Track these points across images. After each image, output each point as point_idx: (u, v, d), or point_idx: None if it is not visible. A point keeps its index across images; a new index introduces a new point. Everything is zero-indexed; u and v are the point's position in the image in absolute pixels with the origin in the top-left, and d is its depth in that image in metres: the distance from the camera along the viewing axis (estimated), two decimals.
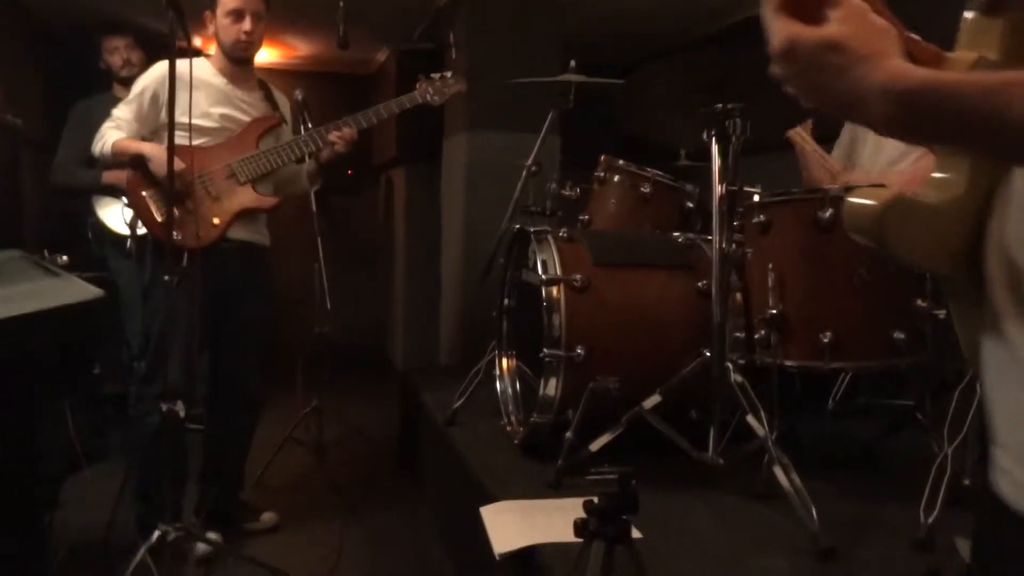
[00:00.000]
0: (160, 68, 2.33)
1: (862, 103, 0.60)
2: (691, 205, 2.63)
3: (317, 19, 4.44)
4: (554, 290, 2.08)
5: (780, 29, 0.62)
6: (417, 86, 2.66)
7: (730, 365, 1.93)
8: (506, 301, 2.60)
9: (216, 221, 2.37)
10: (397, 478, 3.36)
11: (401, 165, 5.10)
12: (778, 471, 1.72)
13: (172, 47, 1.99)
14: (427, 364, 4.14)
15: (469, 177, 3.68)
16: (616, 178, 2.72)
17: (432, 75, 2.67)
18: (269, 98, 2.59)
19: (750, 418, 1.84)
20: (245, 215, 2.43)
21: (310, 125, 2.85)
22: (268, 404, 2.77)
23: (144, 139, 2.36)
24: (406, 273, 5.03)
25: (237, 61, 2.46)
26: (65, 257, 1.82)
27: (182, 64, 2.07)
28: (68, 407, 2.40)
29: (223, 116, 2.43)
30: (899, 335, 1.89)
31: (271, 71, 5.09)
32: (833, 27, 0.62)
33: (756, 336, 2.01)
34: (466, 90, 2.74)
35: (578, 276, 2.08)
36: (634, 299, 2.16)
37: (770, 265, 1.98)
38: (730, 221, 1.96)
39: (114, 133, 2.33)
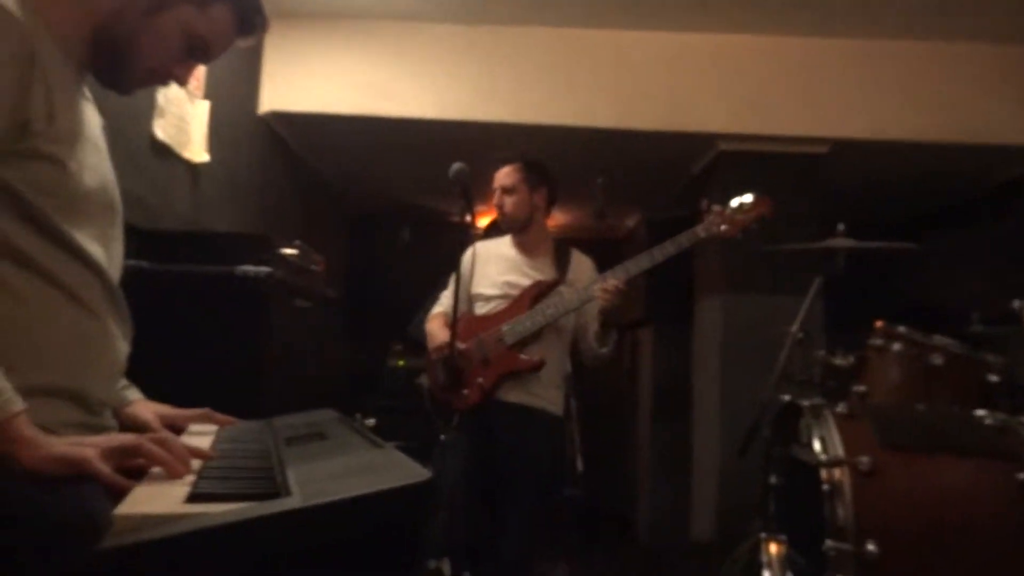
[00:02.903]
0: (470, 250, 2.63)
1: None
2: (996, 379, 2.28)
3: (573, 191, 4.80)
4: (836, 472, 1.87)
5: None
6: (702, 218, 2.45)
7: None
8: (772, 478, 2.39)
9: (481, 382, 2.44)
10: None
11: (648, 325, 5.11)
12: None
13: (467, 232, 2.21)
14: (676, 537, 3.89)
15: (725, 342, 3.57)
16: (897, 347, 2.45)
17: (715, 206, 2.43)
18: (561, 260, 2.60)
19: None
20: (512, 377, 2.44)
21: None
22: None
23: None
24: (651, 437, 4.89)
25: (510, 231, 2.61)
26: (373, 420, 2.04)
27: (492, 243, 2.50)
28: None
29: (506, 283, 2.53)
30: None
31: None
32: None
33: None
34: (771, 210, 2.42)
35: (864, 459, 1.85)
36: (935, 491, 1.86)
37: None
38: None
39: (434, 310, 2.66)
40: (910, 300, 3.42)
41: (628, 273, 2.36)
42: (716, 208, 2.39)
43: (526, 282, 2.52)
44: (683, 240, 2.36)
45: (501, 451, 2.42)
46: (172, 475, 0.89)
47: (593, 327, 2.50)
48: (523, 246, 2.59)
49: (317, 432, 1.25)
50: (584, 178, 3.81)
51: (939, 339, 2.41)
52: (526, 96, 3.49)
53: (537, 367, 2.45)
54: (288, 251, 2.14)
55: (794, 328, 2.61)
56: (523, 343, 2.44)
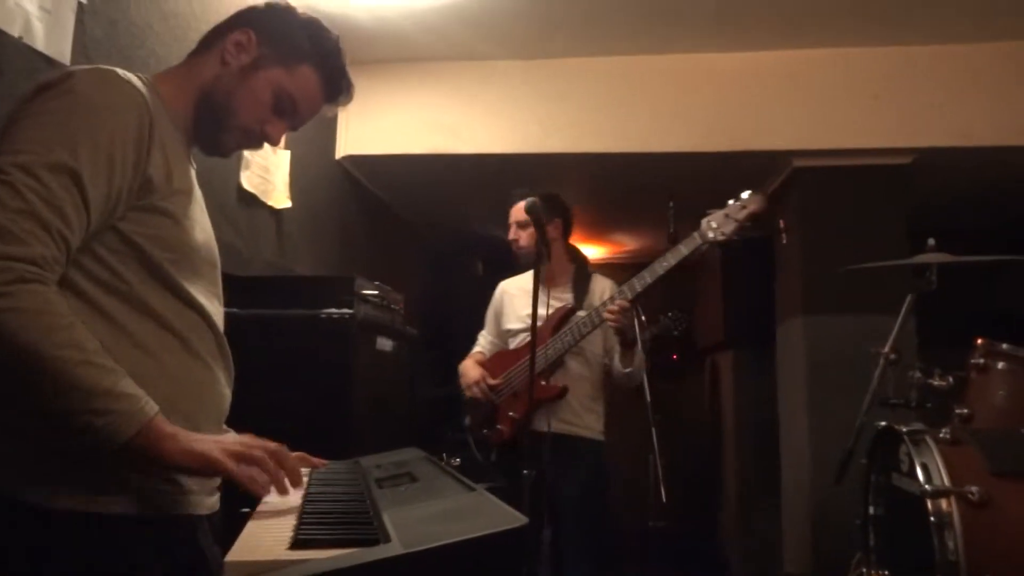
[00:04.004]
0: (498, 288, 2.80)
1: None
2: None
3: (645, 218, 4.77)
4: (943, 503, 1.77)
5: None
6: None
7: None
8: (871, 509, 2.28)
9: (512, 414, 2.50)
10: None
11: (728, 349, 5.00)
12: None
13: (541, 260, 2.21)
14: (769, 571, 3.74)
15: (810, 365, 3.44)
16: (1001, 365, 2.33)
17: (710, 210, 2.36)
18: (580, 286, 2.64)
19: None
20: (542, 406, 2.44)
21: (643, 317, 2.95)
22: None
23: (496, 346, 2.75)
24: (738, 467, 4.75)
25: (527, 264, 2.63)
26: (458, 460, 2.08)
27: (517, 279, 2.65)
28: None
29: (529, 316, 2.59)
30: None
31: (599, 265, 5.49)
32: None
33: None
34: (765, 207, 2.33)
35: (974, 489, 1.75)
36: None
37: None
38: None
39: (473, 349, 2.78)
40: (1010, 314, 3.23)
41: (633, 291, 2.36)
42: (711, 212, 2.32)
43: (549, 312, 2.56)
44: (683, 249, 2.30)
45: (544, 483, 2.39)
46: (280, 491, 0.99)
47: (617, 348, 2.53)
48: (546, 278, 2.61)
49: (406, 472, 1.28)
50: (656, 203, 3.78)
51: None
52: (590, 126, 3.49)
53: (560, 395, 2.48)
54: (369, 292, 2.20)
55: (886, 349, 2.50)
56: (548, 372, 2.48)
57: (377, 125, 3.56)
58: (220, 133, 1.19)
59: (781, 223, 3.81)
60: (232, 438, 1.07)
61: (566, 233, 2.74)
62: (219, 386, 1.14)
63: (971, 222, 4.41)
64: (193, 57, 1.22)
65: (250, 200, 2.69)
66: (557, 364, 2.50)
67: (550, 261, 2.62)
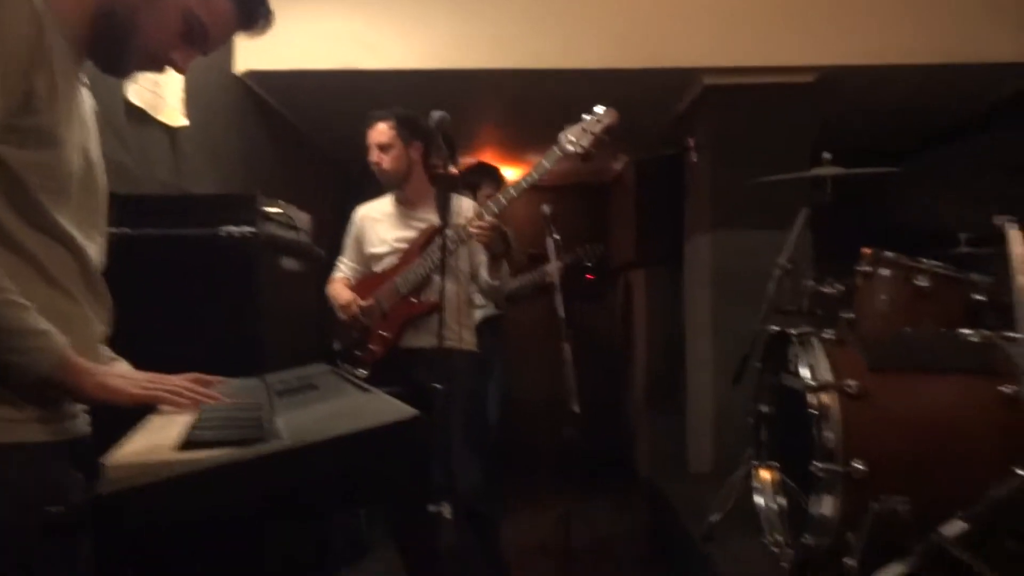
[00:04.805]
0: (355, 214, 2.80)
1: None
2: (981, 298, 2.31)
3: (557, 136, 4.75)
4: (824, 397, 1.91)
5: None
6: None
7: None
8: (763, 408, 2.44)
9: (384, 334, 2.59)
10: None
11: (640, 267, 5.13)
12: None
13: (452, 181, 2.21)
14: (675, 470, 3.98)
15: (716, 278, 3.59)
16: (884, 271, 2.48)
17: (568, 125, 2.37)
18: (443, 206, 2.53)
19: None
20: (412, 324, 2.56)
21: (557, 236, 2.99)
22: (514, 510, 2.77)
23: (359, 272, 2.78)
24: (648, 376, 4.96)
25: (389, 186, 2.69)
26: (363, 371, 2.09)
27: (375, 204, 2.68)
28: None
29: (397, 239, 2.66)
30: None
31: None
32: None
33: None
34: (618, 120, 2.34)
35: (852, 382, 1.89)
36: (922, 409, 1.91)
37: None
38: None
39: (335, 275, 2.79)
40: (899, 225, 3.42)
41: (500, 205, 2.41)
42: (568, 126, 2.37)
43: (413, 234, 2.64)
44: (544, 163, 2.36)
45: (422, 396, 2.45)
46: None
47: (484, 261, 2.60)
48: (405, 200, 2.70)
49: (308, 384, 1.28)
50: (568, 121, 3.77)
51: (926, 262, 2.43)
52: (505, 41, 3.43)
53: (432, 309, 2.51)
54: (272, 210, 2.14)
55: (781, 260, 2.62)
56: (417, 290, 2.56)
57: (280, 39, 3.33)
58: (120, 55, 1.10)
59: (691, 141, 3.88)
60: (139, 374, 1.08)
61: (426, 155, 2.72)
62: (87, 321, 1.09)
63: (874, 140, 4.59)
64: None
65: (140, 116, 2.54)
66: (426, 282, 2.56)
67: (410, 184, 2.67)
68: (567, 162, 2.43)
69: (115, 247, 1.20)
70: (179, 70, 1.17)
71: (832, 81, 3.57)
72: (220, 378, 1.34)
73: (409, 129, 2.63)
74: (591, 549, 3.62)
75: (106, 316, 1.15)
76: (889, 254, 2.48)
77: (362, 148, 2.69)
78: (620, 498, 4.54)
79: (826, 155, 2.55)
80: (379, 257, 2.69)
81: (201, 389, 1.10)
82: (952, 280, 2.35)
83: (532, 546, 3.24)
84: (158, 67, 1.16)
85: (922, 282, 2.35)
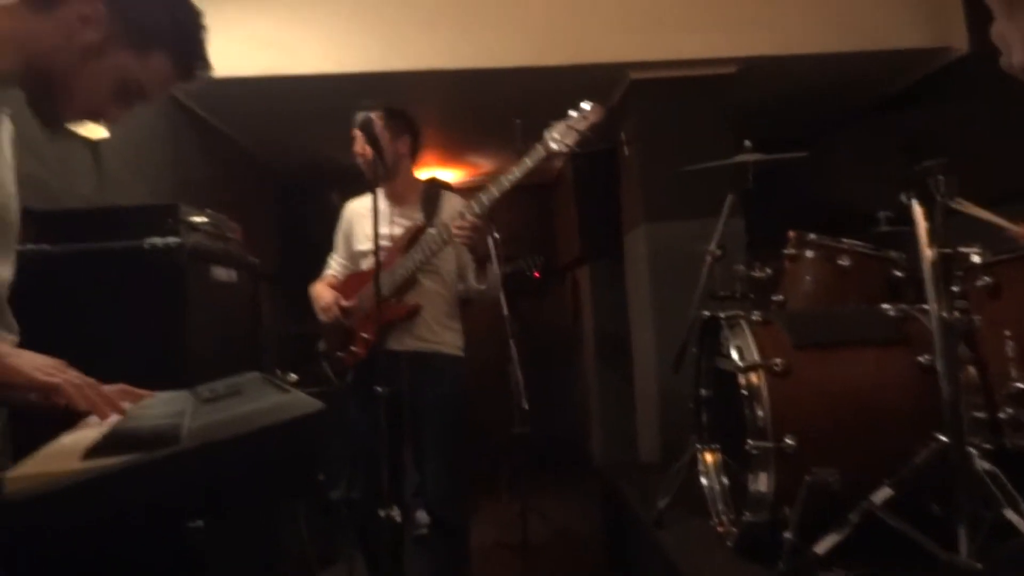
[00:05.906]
0: (345, 209, 2.72)
1: None
2: (900, 274, 2.41)
3: (495, 137, 4.77)
4: (753, 377, 1.97)
5: None
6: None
7: (973, 451, 1.69)
8: (702, 392, 2.49)
9: (365, 336, 2.50)
10: None
11: (585, 263, 5.19)
12: None
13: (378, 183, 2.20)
14: (627, 460, 4.03)
15: (652, 269, 3.65)
16: (809, 253, 2.57)
17: (553, 122, 2.32)
18: (429, 204, 2.60)
19: (1010, 513, 1.58)
20: (395, 326, 2.46)
21: (496, 235, 2.99)
22: (473, 508, 2.78)
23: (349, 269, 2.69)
24: (597, 369, 5.02)
25: (380, 181, 2.55)
26: (294, 375, 2.06)
27: (364, 199, 2.48)
28: (302, 515, 2.58)
29: (382, 236, 2.54)
30: None
31: (460, 190, 5.49)
32: None
33: (1001, 416, 1.75)
34: (603, 116, 2.31)
35: (778, 360, 1.95)
36: (845, 381, 1.98)
37: (1007, 332, 1.74)
38: (948, 287, 1.77)
39: (324, 272, 2.71)
40: (823, 209, 3.54)
41: (481, 206, 2.34)
42: (554, 123, 2.31)
43: (398, 231, 2.54)
44: (527, 161, 2.29)
45: (403, 400, 2.43)
46: (100, 415, 1.03)
47: (471, 265, 2.54)
48: (392, 196, 2.60)
49: (235, 391, 1.26)
50: (502, 121, 3.79)
51: (847, 242, 2.53)
52: (430, 42, 3.43)
53: (412, 312, 2.49)
54: (198, 219, 2.10)
55: (711, 247, 2.68)
56: (400, 291, 2.47)
57: None
58: (56, 114, 1.09)
59: (623, 135, 3.95)
60: (46, 360, 1.07)
61: (414, 150, 2.66)
62: None
63: (790, 128, 4.73)
64: (26, 8, 1.04)
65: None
66: (411, 283, 2.48)
67: (397, 179, 2.58)
68: (508, 162, 2.42)
69: (34, 264, 1.18)
70: (114, 121, 1.16)
71: (753, 72, 3.68)
72: (148, 392, 1.32)
73: (398, 122, 2.55)
74: (548, 542, 3.65)
75: (8, 339, 1.14)
76: (812, 236, 2.58)
77: (295, 153, 2.66)
78: (575, 490, 4.59)
79: (747, 143, 2.62)
80: (364, 254, 2.58)
81: (108, 398, 1.06)
82: (872, 258, 2.45)
83: (490, 543, 3.24)
84: (93, 119, 1.15)
85: (844, 261, 2.45)
